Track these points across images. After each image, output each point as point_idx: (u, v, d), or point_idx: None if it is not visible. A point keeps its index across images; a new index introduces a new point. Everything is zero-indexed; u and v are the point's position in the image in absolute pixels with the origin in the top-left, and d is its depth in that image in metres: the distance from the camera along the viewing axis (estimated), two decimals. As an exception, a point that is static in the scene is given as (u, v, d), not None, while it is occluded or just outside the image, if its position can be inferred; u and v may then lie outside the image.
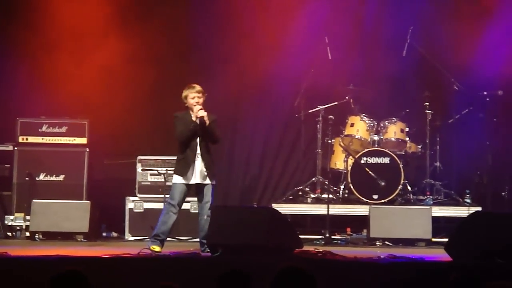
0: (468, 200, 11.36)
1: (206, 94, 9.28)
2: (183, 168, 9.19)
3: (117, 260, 7.85)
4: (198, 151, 9.18)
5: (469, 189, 11.54)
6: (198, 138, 9.18)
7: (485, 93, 11.54)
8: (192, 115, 9.18)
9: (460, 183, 11.85)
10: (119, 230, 11.42)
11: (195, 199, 11.10)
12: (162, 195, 11.08)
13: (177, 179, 9.23)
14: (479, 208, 11.00)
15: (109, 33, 11.72)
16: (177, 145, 9.34)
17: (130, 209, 11.28)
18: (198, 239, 9.33)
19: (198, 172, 9.18)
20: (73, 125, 11.57)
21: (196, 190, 9.30)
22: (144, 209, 11.27)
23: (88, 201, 11.15)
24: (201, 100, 9.19)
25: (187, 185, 9.21)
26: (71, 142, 11.53)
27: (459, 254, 7.95)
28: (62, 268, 4.94)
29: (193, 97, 9.19)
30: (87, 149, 11.49)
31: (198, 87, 9.25)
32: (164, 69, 11.94)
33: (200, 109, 9.14)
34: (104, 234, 11.50)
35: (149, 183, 11.37)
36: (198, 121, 9.12)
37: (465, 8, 11.84)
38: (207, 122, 9.12)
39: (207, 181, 9.21)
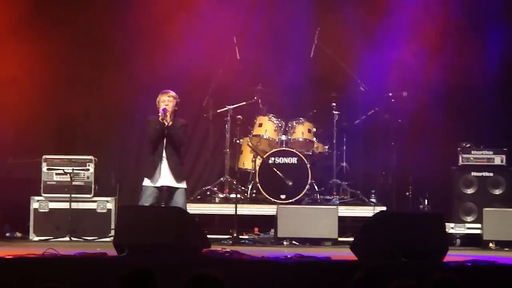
0: (373, 200, 11.55)
1: (178, 100, 9.66)
2: (150, 170, 9.57)
3: (21, 261, 7.69)
4: (164, 153, 9.53)
5: (375, 189, 11.74)
6: (165, 140, 9.50)
7: (390, 94, 11.75)
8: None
9: (365, 183, 12.03)
10: (24, 230, 11.20)
11: (103, 198, 11.04)
12: (68, 195, 10.93)
13: (146, 182, 9.58)
14: (384, 208, 11.20)
15: (13, 34, 11.46)
16: (147, 148, 9.79)
17: (35, 209, 11.09)
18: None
19: (165, 174, 9.52)
20: (-25, 124, 11.32)
21: (167, 192, 9.64)
22: (49, 209, 11.09)
23: (-9, 201, 10.93)
24: (170, 104, 9.60)
25: (157, 187, 9.53)
26: (-27, 140, 11.28)
27: (364, 253, 8.04)
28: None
29: (163, 100, 9.59)
30: (-10, 148, 11.27)
31: (170, 92, 9.66)
32: (69, 69, 11.81)
33: (166, 112, 9.49)
34: (7, 234, 11.26)
35: (54, 183, 11.18)
36: (164, 123, 9.48)
37: (369, 11, 12.00)
38: (170, 123, 9.45)
39: (178, 184, 9.54)
